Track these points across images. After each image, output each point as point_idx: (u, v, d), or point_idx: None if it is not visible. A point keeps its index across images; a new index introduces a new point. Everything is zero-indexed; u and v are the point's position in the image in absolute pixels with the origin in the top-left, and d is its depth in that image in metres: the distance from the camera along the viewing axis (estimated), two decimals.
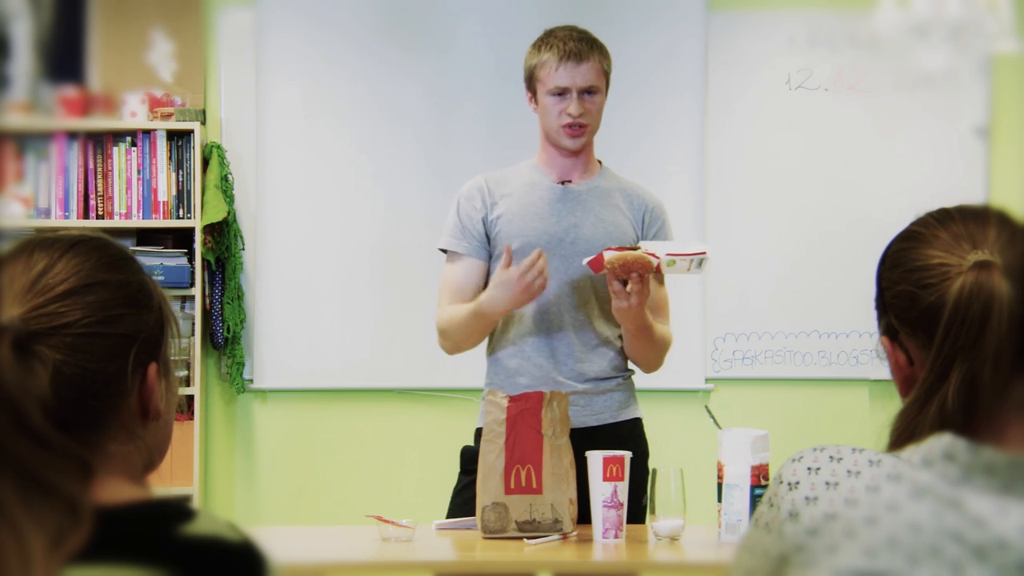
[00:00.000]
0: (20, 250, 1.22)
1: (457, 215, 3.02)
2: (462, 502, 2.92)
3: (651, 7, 4.74)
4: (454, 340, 3.01)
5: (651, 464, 2.93)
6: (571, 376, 2.96)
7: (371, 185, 4.71)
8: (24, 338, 1.15)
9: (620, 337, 3.00)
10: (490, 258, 3.01)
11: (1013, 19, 4.58)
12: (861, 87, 4.81)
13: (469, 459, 2.93)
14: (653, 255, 2.76)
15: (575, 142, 2.97)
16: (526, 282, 2.80)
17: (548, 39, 2.96)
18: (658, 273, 2.82)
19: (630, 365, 3.06)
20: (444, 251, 3.05)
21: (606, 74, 2.97)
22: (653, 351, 2.99)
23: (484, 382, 3.05)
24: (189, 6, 4.66)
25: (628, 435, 3.00)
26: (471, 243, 3.00)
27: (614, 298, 2.80)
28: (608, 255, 2.75)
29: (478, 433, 2.99)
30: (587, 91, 2.93)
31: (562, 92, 2.93)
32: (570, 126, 2.94)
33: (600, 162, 3.09)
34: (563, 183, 3.02)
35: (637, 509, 2.77)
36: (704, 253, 2.81)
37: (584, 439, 2.80)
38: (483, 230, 3.00)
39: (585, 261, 2.82)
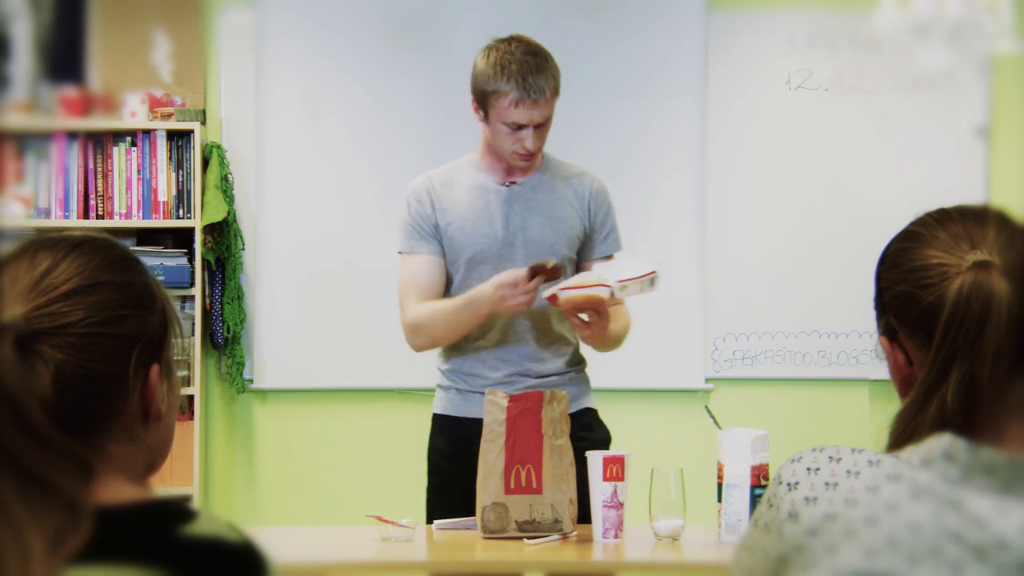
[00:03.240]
0: (24, 250, 1.22)
1: (409, 216, 3.03)
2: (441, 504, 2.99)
3: (651, 7, 4.74)
4: (432, 335, 3.00)
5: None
6: (527, 373, 3.01)
7: (371, 185, 4.71)
8: (26, 337, 1.15)
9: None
10: (446, 258, 3.03)
11: (1013, 19, 4.58)
12: (861, 87, 4.81)
13: (438, 457, 3.04)
14: (605, 285, 2.79)
15: (526, 164, 3.01)
16: (509, 299, 2.83)
17: (504, 64, 2.90)
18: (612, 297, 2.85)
19: (583, 349, 3.10)
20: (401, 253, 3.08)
21: (557, 93, 2.95)
22: (617, 345, 3.07)
23: (438, 377, 3.10)
24: (189, 6, 4.66)
25: (584, 424, 3.03)
26: (428, 243, 3.01)
27: (576, 330, 2.89)
28: (563, 296, 2.79)
29: (435, 420, 3.08)
30: (542, 124, 2.94)
31: (519, 127, 2.92)
32: (523, 154, 2.96)
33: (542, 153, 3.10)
34: (508, 184, 3.03)
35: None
36: (654, 272, 2.85)
37: None
38: (436, 233, 3.02)
39: (544, 295, 2.84)
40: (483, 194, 3.02)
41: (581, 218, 3.04)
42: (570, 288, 2.80)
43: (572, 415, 3.00)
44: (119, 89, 4.53)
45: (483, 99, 2.94)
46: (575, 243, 3.03)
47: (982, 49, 4.71)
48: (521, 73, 2.88)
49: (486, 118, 2.96)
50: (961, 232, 1.28)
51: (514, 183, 3.03)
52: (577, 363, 3.09)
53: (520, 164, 2.99)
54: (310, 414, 4.74)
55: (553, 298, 2.82)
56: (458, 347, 3.03)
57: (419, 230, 3.01)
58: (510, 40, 2.96)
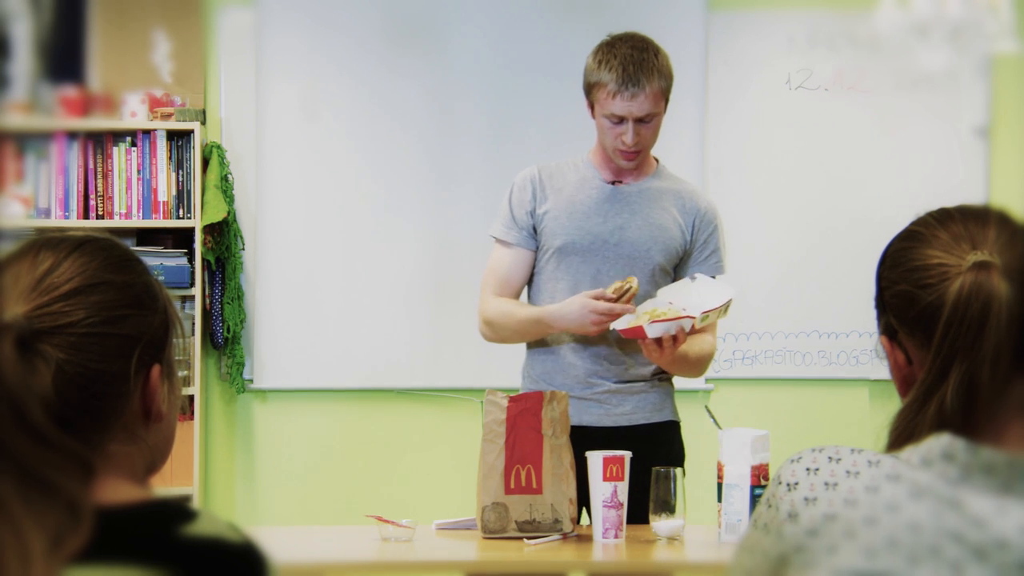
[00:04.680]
0: (26, 249, 1.22)
1: (509, 204, 3.02)
2: None
3: (651, 7, 4.74)
4: (501, 335, 3.02)
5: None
6: (607, 376, 2.96)
7: (371, 185, 4.71)
8: (28, 336, 1.15)
9: None
10: (538, 249, 3.01)
11: (1013, 19, 4.58)
12: (861, 87, 4.81)
13: None
14: (690, 317, 2.75)
15: (629, 164, 2.96)
16: (599, 324, 2.80)
17: (608, 56, 2.90)
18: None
19: None
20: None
21: (664, 93, 2.91)
22: (693, 370, 3.01)
23: (520, 378, 3.07)
24: (189, 6, 4.66)
25: (661, 438, 2.99)
26: (520, 234, 3.00)
27: (647, 353, 2.81)
28: (650, 331, 2.74)
29: None
30: (643, 119, 2.89)
31: (619, 120, 2.90)
32: (624, 150, 2.93)
33: (657, 160, 3.07)
34: (613, 183, 3.01)
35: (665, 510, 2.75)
36: (730, 300, 2.83)
37: (613, 439, 2.83)
38: (531, 222, 3.00)
39: (616, 329, 2.81)
40: (586, 188, 3.00)
41: (683, 232, 2.99)
42: (657, 321, 2.75)
43: (651, 426, 2.99)
44: (119, 89, 4.53)
45: (589, 91, 2.94)
46: (672, 255, 2.98)
47: (982, 49, 4.71)
48: (622, 64, 2.87)
49: (593, 113, 2.96)
50: (962, 232, 1.28)
51: (620, 182, 3.01)
52: (661, 370, 3.01)
53: (623, 162, 2.95)
54: (310, 414, 4.74)
55: (633, 333, 2.77)
56: (539, 342, 3.01)
57: (513, 219, 3.00)
58: (621, 36, 2.96)
